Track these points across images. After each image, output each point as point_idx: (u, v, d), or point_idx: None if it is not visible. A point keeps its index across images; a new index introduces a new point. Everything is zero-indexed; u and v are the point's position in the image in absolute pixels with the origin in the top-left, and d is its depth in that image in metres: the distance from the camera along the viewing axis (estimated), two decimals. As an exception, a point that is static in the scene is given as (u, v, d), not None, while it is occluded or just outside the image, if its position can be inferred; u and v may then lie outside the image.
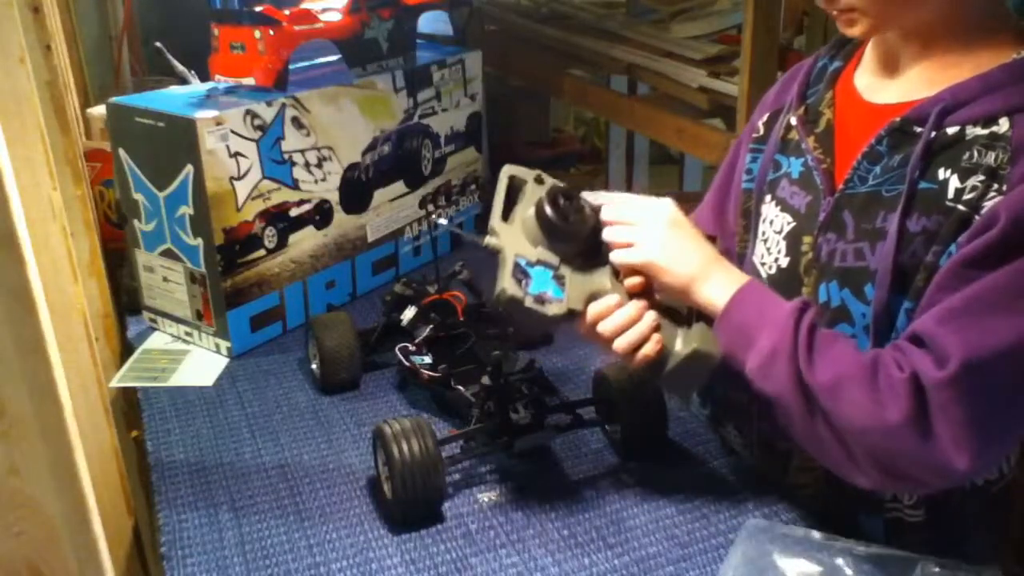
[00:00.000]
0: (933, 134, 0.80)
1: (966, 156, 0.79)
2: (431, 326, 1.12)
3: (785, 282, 0.91)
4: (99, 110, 1.42)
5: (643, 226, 0.86)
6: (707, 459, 1.01)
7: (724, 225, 1.07)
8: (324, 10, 1.31)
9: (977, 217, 0.77)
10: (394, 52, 1.40)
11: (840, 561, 0.80)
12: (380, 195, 1.41)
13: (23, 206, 0.76)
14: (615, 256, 0.87)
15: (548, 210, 0.86)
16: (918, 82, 0.85)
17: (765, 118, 1.02)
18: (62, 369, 0.75)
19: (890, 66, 0.89)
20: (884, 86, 0.89)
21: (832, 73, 0.94)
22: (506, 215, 0.88)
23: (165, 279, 1.24)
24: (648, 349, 0.83)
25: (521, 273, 0.84)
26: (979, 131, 0.79)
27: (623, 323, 0.84)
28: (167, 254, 1.22)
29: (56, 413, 0.75)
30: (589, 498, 0.94)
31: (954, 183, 0.79)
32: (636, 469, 0.99)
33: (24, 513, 0.73)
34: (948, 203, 0.79)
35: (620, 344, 0.84)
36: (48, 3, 1.12)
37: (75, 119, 1.31)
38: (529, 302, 0.83)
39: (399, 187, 1.45)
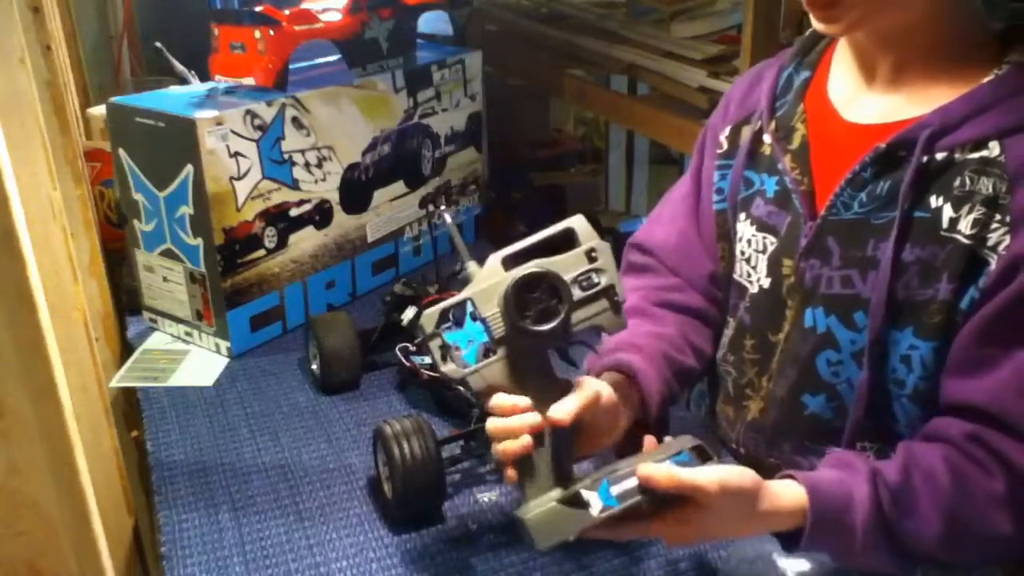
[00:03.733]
0: (925, 159, 0.77)
1: (957, 183, 0.76)
2: (431, 326, 1.12)
3: (769, 303, 0.90)
4: (99, 110, 1.42)
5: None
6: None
7: (703, 238, 1.01)
8: (324, 10, 1.31)
9: (987, 251, 0.74)
10: (394, 52, 1.40)
11: (840, 561, 0.80)
12: (380, 195, 1.41)
13: (23, 206, 0.76)
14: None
15: (511, 290, 0.71)
16: (898, 99, 0.82)
17: (727, 132, 0.97)
18: (62, 369, 0.75)
19: (866, 78, 0.85)
20: (861, 102, 0.85)
21: (801, 84, 0.90)
22: (524, 259, 0.74)
23: (165, 279, 1.24)
24: (510, 472, 0.74)
25: (459, 313, 0.73)
26: (968, 156, 0.76)
27: (505, 429, 0.73)
28: (167, 254, 1.22)
29: (56, 413, 0.75)
30: (589, 498, 0.94)
31: (948, 212, 0.76)
32: (636, 469, 0.99)
33: (24, 513, 0.73)
34: (944, 233, 0.76)
35: (495, 449, 0.75)
36: (48, 3, 1.12)
37: (75, 119, 1.31)
38: (436, 343, 0.72)
39: (399, 187, 1.45)
